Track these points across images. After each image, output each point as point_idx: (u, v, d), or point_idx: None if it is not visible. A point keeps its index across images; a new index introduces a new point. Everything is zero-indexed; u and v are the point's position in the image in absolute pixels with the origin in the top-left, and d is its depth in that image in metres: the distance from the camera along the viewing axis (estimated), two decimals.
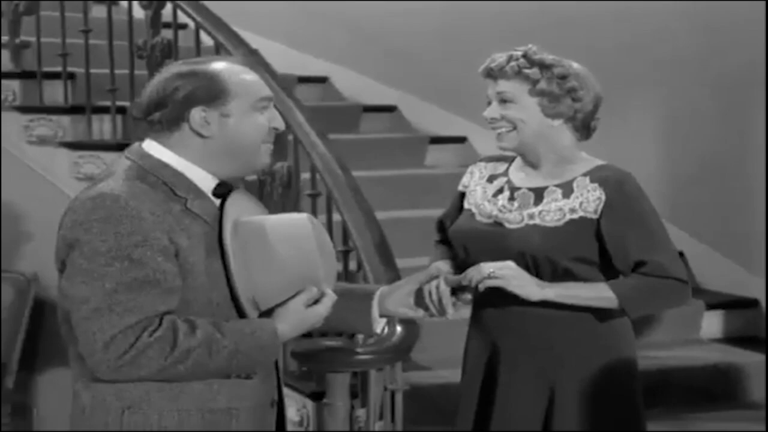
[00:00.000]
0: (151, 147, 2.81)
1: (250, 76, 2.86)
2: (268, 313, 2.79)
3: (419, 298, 3.19)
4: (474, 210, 3.58)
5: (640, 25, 6.12)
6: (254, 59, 5.43)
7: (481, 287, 3.35)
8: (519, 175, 3.58)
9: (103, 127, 5.80)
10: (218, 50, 5.47)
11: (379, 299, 3.17)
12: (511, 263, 3.36)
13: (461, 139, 6.60)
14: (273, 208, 5.15)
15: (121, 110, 5.82)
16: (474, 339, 3.58)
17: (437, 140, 6.67)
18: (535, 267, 3.38)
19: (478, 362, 3.54)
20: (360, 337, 4.12)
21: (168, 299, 2.65)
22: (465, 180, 3.67)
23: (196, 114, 2.77)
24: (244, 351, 2.74)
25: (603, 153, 5.60)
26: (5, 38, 6.15)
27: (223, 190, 2.80)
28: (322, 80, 7.62)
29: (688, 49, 5.94)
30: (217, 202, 2.79)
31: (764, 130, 5.44)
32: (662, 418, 4.74)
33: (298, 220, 2.83)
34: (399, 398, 3.92)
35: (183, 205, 2.75)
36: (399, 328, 3.74)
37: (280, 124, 2.88)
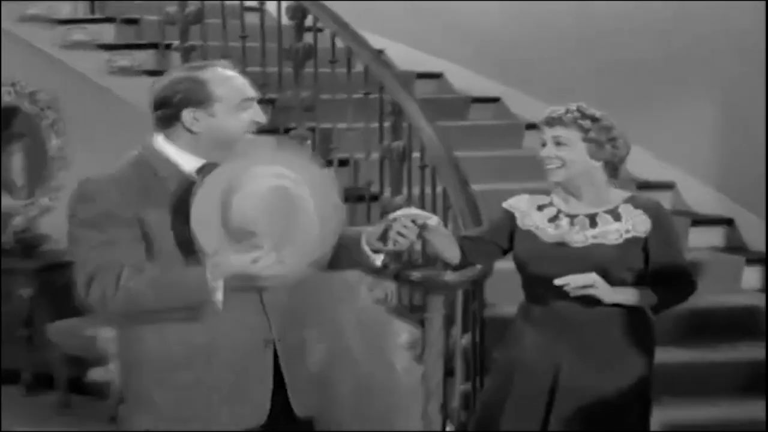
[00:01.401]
0: (155, 138, 3.26)
1: (236, 81, 3.24)
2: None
3: (384, 234, 3.48)
4: (535, 231, 4.03)
5: (702, 21, 6.62)
6: (378, 58, 5.97)
7: (575, 293, 3.82)
8: (565, 204, 4.04)
9: None
10: (349, 51, 5.94)
11: (366, 239, 3.49)
12: (594, 275, 3.83)
13: None
14: (391, 178, 5.69)
15: (271, 101, 6.24)
16: (534, 334, 4.00)
17: (533, 126, 6.43)
18: (599, 276, 3.85)
19: (543, 355, 3.97)
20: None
21: (128, 254, 3.14)
22: (515, 204, 4.13)
23: (187, 115, 3.17)
24: (168, 283, 3.16)
25: (671, 135, 6.43)
26: (176, 42, 6.74)
27: (204, 168, 3.19)
28: (438, 76, 7.95)
29: (747, 40, 6.41)
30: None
31: None
32: (705, 346, 5.57)
33: (261, 177, 3.07)
34: (479, 316, 4.75)
35: (162, 184, 3.21)
36: (478, 265, 4.46)
37: (261, 118, 3.24)
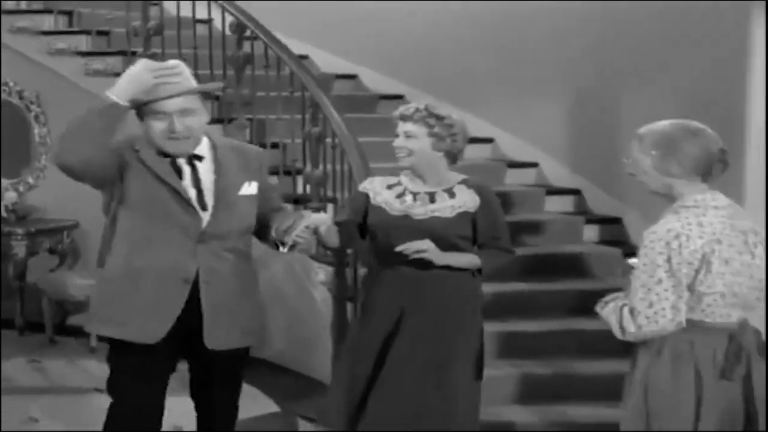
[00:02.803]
0: None
1: None
2: None
3: (287, 230, 3.91)
4: (384, 206, 4.34)
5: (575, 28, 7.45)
6: (301, 64, 6.71)
7: (414, 257, 4.16)
8: (411, 184, 4.37)
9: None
10: (278, 59, 6.61)
11: (275, 231, 4.01)
12: (428, 241, 4.18)
13: None
14: (311, 157, 6.51)
15: (216, 98, 6.99)
16: (382, 292, 4.34)
17: None
18: (436, 243, 4.22)
19: (387, 310, 4.32)
20: None
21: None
22: (367, 186, 4.44)
23: None
24: (86, 109, 3.72)
25: (537, 124, 7.58)
26: (140, 50, 7.32)
27: None
28: (353, 77, 8.72)
29: (599, 42, 7.18)
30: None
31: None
32: (549, 281, 6.76)
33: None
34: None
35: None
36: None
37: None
